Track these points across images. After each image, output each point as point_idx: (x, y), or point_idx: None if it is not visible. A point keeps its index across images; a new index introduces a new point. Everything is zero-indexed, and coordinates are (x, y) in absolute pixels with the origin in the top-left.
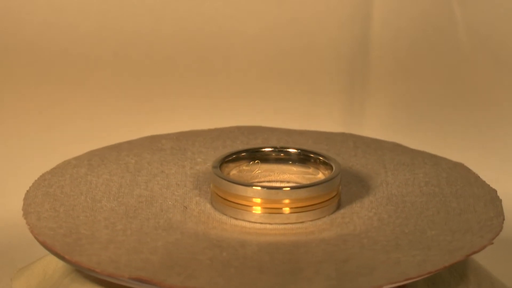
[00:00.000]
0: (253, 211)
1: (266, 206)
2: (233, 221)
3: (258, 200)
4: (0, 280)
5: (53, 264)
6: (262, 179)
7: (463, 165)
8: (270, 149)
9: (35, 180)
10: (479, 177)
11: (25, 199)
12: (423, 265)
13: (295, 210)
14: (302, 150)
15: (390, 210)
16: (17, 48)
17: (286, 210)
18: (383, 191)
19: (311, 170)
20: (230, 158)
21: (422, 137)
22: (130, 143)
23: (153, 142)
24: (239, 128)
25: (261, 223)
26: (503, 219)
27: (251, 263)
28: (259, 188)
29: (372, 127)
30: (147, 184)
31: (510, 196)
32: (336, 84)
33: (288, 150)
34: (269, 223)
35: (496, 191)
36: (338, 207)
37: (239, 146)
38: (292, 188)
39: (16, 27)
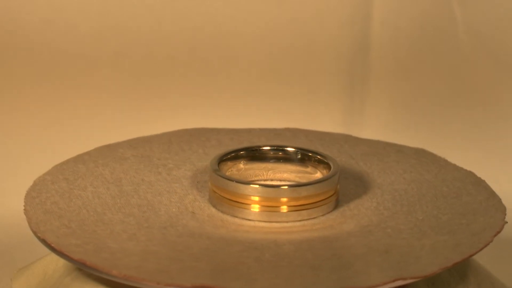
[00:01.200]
0: (251, 209)
1: (264, 204)
2: (249, 222)
3: (257, 198)
4: (0, 280)
5: (53, 264)
6: (260, 178)
7: (424, 150)
8: (268, 148)
9: (25, 198)
10: (445, 159)
11: (29, 218)
12: (460, 249)
13: (294, 208)
14: (300, 149)
15: (389, 200)
16: (17, 48)
17: (284, 208)
18: (368, 181)
19: (309, 169)
20: (229, 156)
21: (422, 137)
22: (89, 154)
23: (111, 151)
24: (186, 131)
25: (259, 221)
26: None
27: (298, 261)
28: (257, 186)
29: (372, 127)
30: (137, 193)
31: (510, 196)
32: (336, 84)
33: (286, 148)
34: (268, 221)
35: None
36: (337, 205)
37: (199, 149)
38: (290, 186)
39: (16, 27)
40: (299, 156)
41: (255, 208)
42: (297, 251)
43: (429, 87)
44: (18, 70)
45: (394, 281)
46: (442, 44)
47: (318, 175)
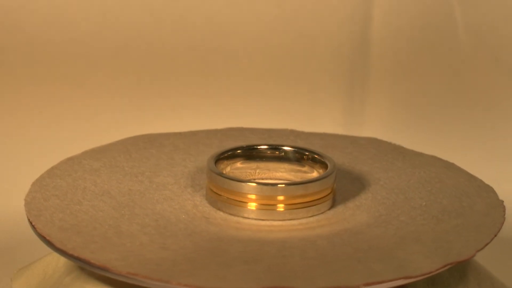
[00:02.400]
0: (248, 207)
1: (261, 202)
2: (260, 222)
3: (253, 196)
4: (0, 280)
5: (53, 264)
6: (256, 177)
7: (401, 147)
8: (265, 147)
9: (32, 220)
10: (434, 156)
11: (52, 238)
12: (483, 229)
13: (290, 207)
14: (297, 148)
15: (388, 197)
16: (17, 48)
17: (281, 206)
18: (360, 179)
19: (306, 168)
20: (226, 155)
21: (422, 137)
22: (58, 168)
23: (77, 164)
24: (137, 138)
25: (255, 219)
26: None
27: (342, 255)
28: (254, 184)
29: (372, 127)
30: (136, 203)
31: (510, 196)
32: (336, 84)
33: (283, 148)
34: (264, 220)
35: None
36: (333, 204)
37: (161, 155)
38: (286, 184)
39: (16, 27)
40: (296, 155)
41: (252, 206)
42: (334, 246)
43: (429, 87)
44: (18, 70)
45: (445, 266)
46: (442, 44)
47: (314, 174)
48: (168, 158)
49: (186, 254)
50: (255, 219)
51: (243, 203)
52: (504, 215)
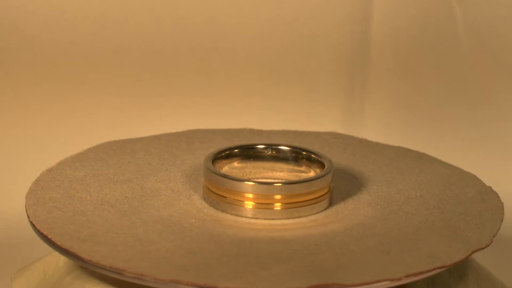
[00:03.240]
0: (245, 206)
1: (258, 201)
2: (272, 222)
3: (250, 195)
4: (0, 280)
5: (53, 264)
6: (254, 176)
7: (404, 148)
8: (262, 147)
9: (49, 234)
10: (424, 153)
11: (81, 251)
12: (490, 228)
13: (288, 205)
14: (294, 147)
15: (381, 190)
16: (17, 48)
17: (278, 205)
18: (346, 174)
19: (303, 168)
20: (223, 154)
21: (422, 137)
22: (42, 180)
23: (59, 174)
24: (103, 146)
25: (252, 217)
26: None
27: (370, 249)
28: (251, 183)
29: (372, 127)
30: (140, 211)
31: (510, 196)
32: (336, 84)
33: (280, 147)
34: (261, 218)
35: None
36: (331, 203)
37: (138, 161)
38: (283, 183)
39: (16, 27)
40: (293, 155)
41: (249, 205)
42: (356, 241)
43: (429, 87)
44: (18, 70)
45: (471, 253)
46: (442, 44)
47: (312, 174)
48: (146, 164)
49: (217, 258)
50: (254, 218)
51: (241, 202)
52: (500, 200)
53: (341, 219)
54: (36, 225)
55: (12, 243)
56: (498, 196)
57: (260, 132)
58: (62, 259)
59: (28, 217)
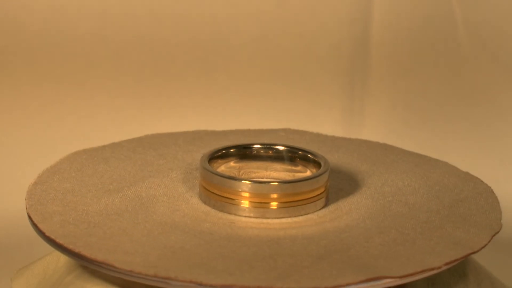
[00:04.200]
0: (241, 205)
1: (254, 200)
2: (276, 221)
3: (247, 194)
4: (0, 280)
5: (53, 264)
6: (250, 176)
7: (384, 144)
8: (259, 146)
9: (45, 231)
10: (405, 150)
11: (110, 259)
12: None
13: (284, 205)
14: (291, 147)
15: (374, 184)
16: (17, 48)
17: (274, 204)
18: (352, 179)
19: (299, 167)
20: (219, 153)
21: (422, 137)
22: (31, 194)
23: (47, 189)
24: (74, 155)
25: (249, 216)
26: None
27: (388, 245)
28: (247, 182)
29: (372, 127)
30: (150, 217)
31: (510, 196)
32: (336, 84)
33: (277, 147)
34: (257, 217)
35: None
36: (327, 203)
37: (127, 166)
38: (279, 182)
39: (16, 27)
40: (289, 155)
41: (245, 204)
42: (380, 233)
43: (429, 87)
44: (18, 70)
45: (492, 237)
46: (442, 44)
47: (308, 173)
48: (125, 172)
49: (254, 259)
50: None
51: (237, 201)
52: (494, 193)
53: (347, 215)
54: (55, 237)
55: (12, 243)
56: (493, 192)
57: (214, 133)
58: (62, 259)
59: (44, 231)
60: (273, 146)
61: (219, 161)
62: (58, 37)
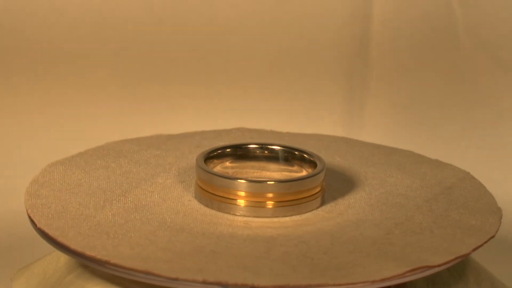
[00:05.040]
0: (237, 204)
1: (250, 199)
2: (281, 219)
3: (243, 194)
4: (0, 280)
5: (53, 264)
6: (246, 176)
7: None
8: (254, 146)
9: (54, 235)
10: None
11: (118, 259)
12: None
13: (279, 204)
14: (286, 147)
15: (370, 183)
16: (17, 48)
17: (270, 204)
18: (347, 178)
19: (295, 167)
20: (215, 153)
21: (421, 137)
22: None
23: (40, 206)
24: (51, 167)
25: (245, 216)
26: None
27: (413, 237)
28: (243, 181)
29: (372, 127)
30: (154, 218)
31: (510, 196)
32: (336, 84)
33: (272, 147)
34: (253, 217)
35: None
36: (323, 202)
37: (94, 181)
38: (276, 181)
39: (16, 27)
40: (285, 155)
41: (241, 203)
42: (394, 225)
43: (429, 88)
44: (18, 70)
45: (499, 224)
46: (442, 44)
47: (304, 173)
48: (110, 181)
49: (292, 258)
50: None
51: (233, 200)
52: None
53: (349, 212)
54: (67, 241)
55: (12, 243)
56: (474, 177)
57: (171, 137)
58: (62, 259)
59: (52, 235)
60: (269, 146)
61: (215, 161)
62: (58, 37)
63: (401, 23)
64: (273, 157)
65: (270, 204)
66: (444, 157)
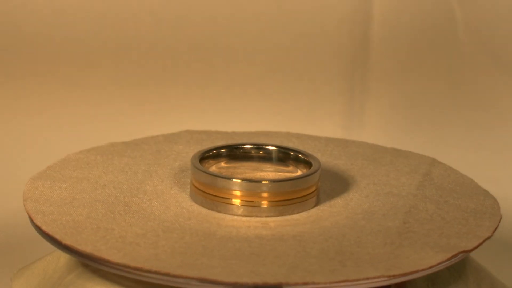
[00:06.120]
0: (233, 204)
1: (245, 199)
2: (285, 217)
3: (238, 193)
4: (0, 280)
5: (53, 264)
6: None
7: (362, 143)
8: (250, 147)
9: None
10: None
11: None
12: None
13: (275, 203)
14: (281, 147)
15: (363, 181)
16: (17, 48)
17: (265, 203)
18: (342, 178)
19: (290, 168)
20: (210, 153)
21: (421, 138)
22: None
23: (47, 216)
24: (36, 179)
25: (240, 215)
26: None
27: (424, 229)
28: (239, 180)
29: (372, 127)
30: (156, 220)
31: (510, 196)
32: (336, 85)
33: (267, 147)
34: (248, 216)
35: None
36: (318, 202)
37: (75, 193)
38: (271, 181)
39: (16, 26)
40: (280, 155)
41: (236, 202)
42: (413, 219)
43: (429, 87)
44: (18, 70)
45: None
46: (442, 44)
47: (299, 174)
48: (96, 188)
49: (323, 254)
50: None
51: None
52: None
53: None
54: (79, 246)
55: (12, 243)
56: (492, 196)
57: (160, 140)
58: (62, 259)
59: (62, 242)
60: (264, 147)
61: (210, 161)
62: (58, 37)
63: (401, 22)
64: (268, 157)
65: (264, 203)
66: (444, 157)
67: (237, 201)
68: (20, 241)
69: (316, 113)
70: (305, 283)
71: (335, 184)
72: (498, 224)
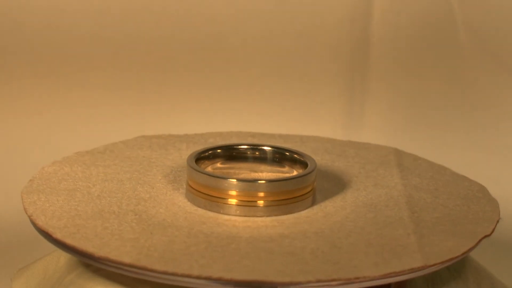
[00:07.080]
0: (229, 203)
1: (241, 199)
2: (287, 216)
3: (234, 193)
4: (0, 280)
5: (53, 264)
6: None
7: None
8: (245, 147)
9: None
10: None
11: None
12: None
13: (270, 203)
14: (277, 148)
15: (360, 181)
16: (17, 48)
17: (261, 203)
18: (337, 177)
19: (286, 168)
20: (206, 154)
21: (422, 137)
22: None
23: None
24: (28, 189)
25: (235, 215)
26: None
27: (428, 227)
28: (234, 180)
29: (372, 127)
30: (157, 222)
31: (510, 196)
32: (336, 85)
33: (263, 148)
34: (244, 216)
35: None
36: (314, 202)
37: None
38: (267, 181)
39: (16, 27)
40: (276, 156)
41: (232, 202)
42: (412, 221)
43: (429, 87)
44: (18, 69)
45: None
46: (442, 44)
47: (294, 174)
48: (88, 193)
49: (350, 248)
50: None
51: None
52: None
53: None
54: (85, 246)
55: (12, 243)
56: (472, 180)
57: (151, 140)
58: (62, 259)
59: (68, 244)
60: (260, 147)
61: (206, 162)
62: (58, 37)
63: (401, 22)
64: (264, 158)
65: (261, 203)
66: (444, 157)
67: (233, 201)
68: (20, 241)
69: (316, 113)
70: (348, 279)
71: (333, 183)
72: (498, 220)
